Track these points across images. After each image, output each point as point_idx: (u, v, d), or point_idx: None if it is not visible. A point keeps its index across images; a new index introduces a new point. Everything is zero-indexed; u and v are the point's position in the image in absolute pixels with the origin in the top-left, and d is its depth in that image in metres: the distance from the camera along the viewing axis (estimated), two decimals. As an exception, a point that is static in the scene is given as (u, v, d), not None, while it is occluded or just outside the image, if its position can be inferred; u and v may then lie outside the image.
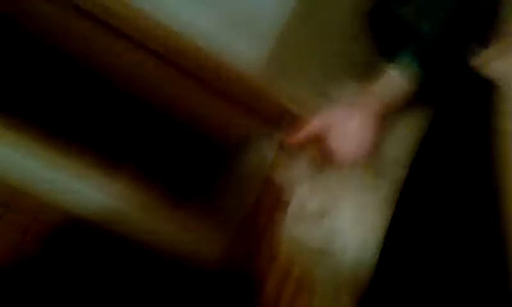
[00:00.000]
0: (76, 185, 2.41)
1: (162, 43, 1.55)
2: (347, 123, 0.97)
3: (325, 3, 1.28)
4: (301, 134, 1.01)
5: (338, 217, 1.03)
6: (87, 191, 2.41)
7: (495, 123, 0.93)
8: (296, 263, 1.03)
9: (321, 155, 1.03)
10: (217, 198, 3.03)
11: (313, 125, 0.99)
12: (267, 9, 1.44)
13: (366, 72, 1.14)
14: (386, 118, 1.01)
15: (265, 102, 2.65)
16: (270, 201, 1.29)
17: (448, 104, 0.99)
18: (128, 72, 2.98)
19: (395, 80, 0.96)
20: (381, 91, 0.97)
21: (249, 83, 2.16)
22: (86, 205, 2.37)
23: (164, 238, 2.67)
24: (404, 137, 1.02)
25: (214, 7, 1.82)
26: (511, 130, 0.92)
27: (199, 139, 3.45)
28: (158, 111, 3.15)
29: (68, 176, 2.36)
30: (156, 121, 3.32)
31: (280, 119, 1.13)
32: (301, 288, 1.00)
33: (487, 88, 0.94)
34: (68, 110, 2.50)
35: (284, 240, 1.22)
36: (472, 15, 0.90)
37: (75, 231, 1.70)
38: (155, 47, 1.58)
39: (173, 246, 2.64)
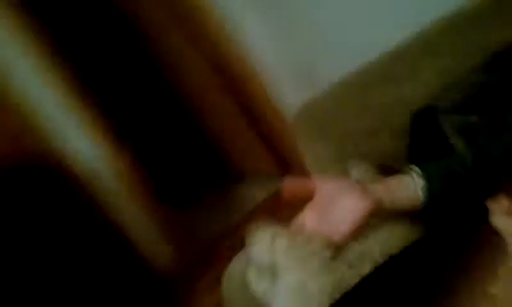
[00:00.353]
0: (75, 134, 2.48)
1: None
2: (347, 197, 0.93)
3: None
4: (299, 187, 0.98)
5: (282, 279, 0.97)
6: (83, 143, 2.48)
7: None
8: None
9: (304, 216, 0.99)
10: (202, 214, 3.02)
11: (316, 184, 0.96)
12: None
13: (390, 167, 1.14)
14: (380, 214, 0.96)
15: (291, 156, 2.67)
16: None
17: (444, 235, 0.94)
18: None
19: (413, 187, 0.93)
20: (395, 189, 0.95)
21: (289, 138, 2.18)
22: (75, 153, 2.42)
23: (131, 225, 2.68)
24: (384, 239, 0.98)
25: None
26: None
27: (213, 154, 3.47)
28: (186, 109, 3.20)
29: (72, 122, 2.44)
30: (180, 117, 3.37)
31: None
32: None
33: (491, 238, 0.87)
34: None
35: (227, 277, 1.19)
36: None
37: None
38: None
39: (136, 235, 2.64)
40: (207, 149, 3.88)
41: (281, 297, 0.97)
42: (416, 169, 0.94)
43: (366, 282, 0.90)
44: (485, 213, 0.72)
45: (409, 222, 0.99)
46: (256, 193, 3.10)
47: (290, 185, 1.00)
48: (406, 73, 1.25)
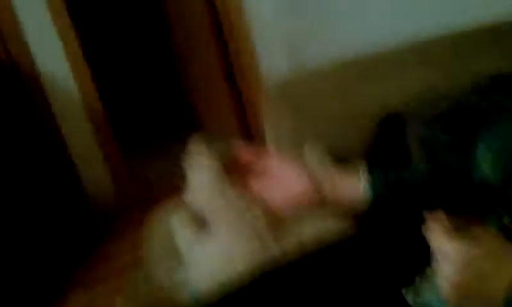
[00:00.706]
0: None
1: None
2: (293, 176, 0.93)
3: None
4: (252, 154, 0.95)
5: (209, 237, 0.94)
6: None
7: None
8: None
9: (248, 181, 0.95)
10: (152, 161, 2.97)
11: (269, 157, 0.95)
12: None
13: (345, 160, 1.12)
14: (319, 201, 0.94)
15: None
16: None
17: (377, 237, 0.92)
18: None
19: (357, 186, 0.93)
20: (341, 183, 0.94)
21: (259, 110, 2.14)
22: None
23: (79, 152, 2.62)
24: (315, 225, 0.97)
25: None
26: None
27: (182, 105, 3.40)
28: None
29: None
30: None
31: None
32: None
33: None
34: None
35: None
36: None
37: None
38: None
39: (81, 163, 2.60)
40: (178, 99, 3.82)
41: (204, 253, 0.94)
42: (367, 170, 0.93)
43: (291, 265, 0.87)
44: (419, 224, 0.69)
45: (344, 217, 0.98)
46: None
47: (244, 149, 0.96)
48: (390, 76, 1.21)
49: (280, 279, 0.83)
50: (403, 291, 0.77)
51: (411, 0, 1.72)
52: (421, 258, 0.73)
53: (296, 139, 1.24)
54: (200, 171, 0.95)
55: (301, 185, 0.92)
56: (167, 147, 3.36)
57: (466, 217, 0.67)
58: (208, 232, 0.97)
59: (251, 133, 2.99)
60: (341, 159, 1.16)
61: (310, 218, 0.97)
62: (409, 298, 0.77)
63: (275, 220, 0.94)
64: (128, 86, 4.11)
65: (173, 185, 1.13)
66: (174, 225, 1.10)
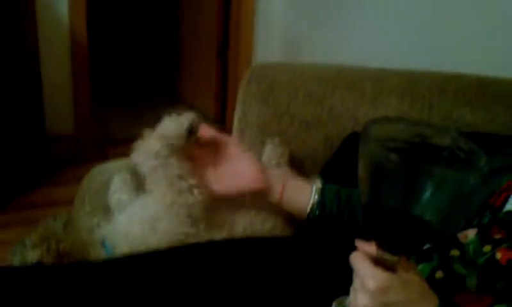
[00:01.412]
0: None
1: None
2: (246, 166, 0.92)
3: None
4: (213, 136, 0.96)
5: (142, 200, 0.89)
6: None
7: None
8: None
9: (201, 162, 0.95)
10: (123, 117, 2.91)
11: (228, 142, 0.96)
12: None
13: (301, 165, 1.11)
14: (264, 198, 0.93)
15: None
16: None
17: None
18: None
19: (307, 196, 0.92)
20: (291, 188, 0.93)
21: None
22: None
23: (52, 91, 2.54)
24: (252, 220, 0.94)
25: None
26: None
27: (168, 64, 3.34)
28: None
29: None
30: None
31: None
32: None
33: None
34: None
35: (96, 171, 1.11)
36: None
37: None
38: None
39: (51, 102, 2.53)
40: (165, 64, 3.76)
41: (129, 217, 0.90)
42: (320, 183, 0.93)
43: (216, 250, 0.83)
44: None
45: (282, 218, 0.96)
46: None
47: (207, 130, 0.96)
48: (371, 96, 1.17)
49: (194, 257, 0.79)
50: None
51: (419, 34, 1.67)
52: (343, 284, 0.70)
53: (261, 131, 1.20)
54: (154, 138, 0.90)
55: (252, 178, 0.90)
56: (142, 112, 3.31)
57: (396, 251, 0.64)
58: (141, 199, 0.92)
59: (227, 116, 2.98)
60: (299, 163, 1.14)
61: (249, 213, 0.92)
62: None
63: (212, 209, 0.90)
64: (119, 42, 4.02)
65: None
66: (112, 183, 1.06)
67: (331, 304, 0.74)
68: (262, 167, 0.93)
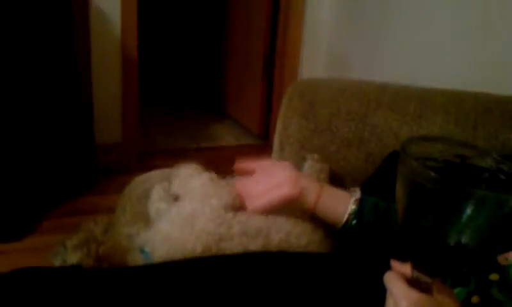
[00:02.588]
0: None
1: None
2: (280, 176, 0.93)
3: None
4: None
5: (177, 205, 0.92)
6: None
7: None
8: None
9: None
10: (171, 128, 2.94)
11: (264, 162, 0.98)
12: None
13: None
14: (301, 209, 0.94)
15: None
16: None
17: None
18: None
19: (344, 207, 0.91)
20: (329, 197, 0.92)
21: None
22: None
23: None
24: (289, 232, 0.93)
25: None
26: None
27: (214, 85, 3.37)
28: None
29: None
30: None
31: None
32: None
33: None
34: None
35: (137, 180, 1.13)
36: None
37: None
38: None
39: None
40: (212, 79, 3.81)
41: (169, 216, 0.92)
42: (359, 194, 0.91)
43: (251, 262, 0.83)
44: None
45: (322, 233, 0.95)
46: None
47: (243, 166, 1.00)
48: (415, 114, 1.16)
49: (229, 267, 0.80)
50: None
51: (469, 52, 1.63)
52: (377, 304, 0.69)
53: (302, 146, 1.20)
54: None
55: (288, 187, 0.90)
56: (187, 125, 3.36)
57: (432, 273, 0.62)
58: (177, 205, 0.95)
59: (270, 133, 2.99)
60: (339, 180, 1.13)
61: (287, 224, 0.93)
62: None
63: (248, 216, 0.91)
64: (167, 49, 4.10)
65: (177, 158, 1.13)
66: (153, 193, 1.08)
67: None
68: (296, 174, 0.93)
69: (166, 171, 1.21)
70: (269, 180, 0.93)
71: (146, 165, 2.70)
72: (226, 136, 3.27)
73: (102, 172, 2.60)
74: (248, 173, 0.98)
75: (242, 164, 0.98)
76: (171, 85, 4.03)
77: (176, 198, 1.03)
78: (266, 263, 0.84)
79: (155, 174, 1.22)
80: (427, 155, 0.64)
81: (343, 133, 1.16)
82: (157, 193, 1.08)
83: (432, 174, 0.57)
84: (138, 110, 2.71)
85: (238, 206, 0.94)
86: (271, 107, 3.08)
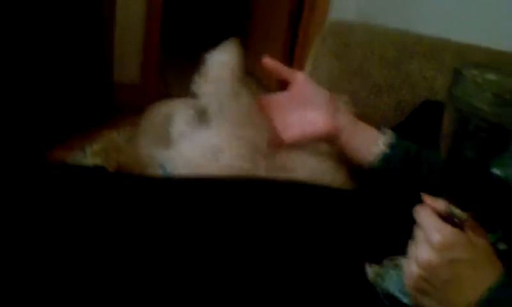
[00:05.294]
0: None
1: None
2: (316, 110, 0.89)
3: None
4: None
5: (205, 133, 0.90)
6: None
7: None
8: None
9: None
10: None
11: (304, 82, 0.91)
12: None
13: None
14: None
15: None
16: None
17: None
18: None
19: (374, 145, 0.88)
20: (360, 134, 0.89)
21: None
22: None
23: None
24: (314, 169, 0.91)
25: None
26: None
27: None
28: None
29: None
30: None
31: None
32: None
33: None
34: None
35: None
36: None
37: None
38: None
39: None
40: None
41: (191, 145, 0.89)
42: (390, 136, 0.88)
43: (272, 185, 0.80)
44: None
45: (346, 173, 0.92)
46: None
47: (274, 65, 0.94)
48: (449, 66, 1.11)
49: (255, 191, 0.77)
50: (366, 266, 0.70)
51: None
52: (399, 242, 0.67)
53: (331, 89, 1.16)
54: (222, 67, 0.89)
55: (323, 123, 0.87)
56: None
57: (467, 208, 0.60)
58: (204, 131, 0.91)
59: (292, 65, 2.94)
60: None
61: (309, 162, 0.90)
62: (371, 276, 0.70)
63: (274, 152, 0.88)
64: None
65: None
66: (175, 116, 1.06)
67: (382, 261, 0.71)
68: (333, 108, 0.89)
69: (189, 100, 1.18)
70: (305, 112, 0.90)
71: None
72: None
73: (118, 110, 2.58)
74: (276, 74, 0.93)
75: (273, 63, 0.93)
76: (193, 36, 3.98)
77: (203, 113, 1.00)
78: (290, 191, 0.81)
79: (178, 101, 1.19)
80: (479, 87, 0.61)
81: (375, 79, 1.13)
82: (180, 116, 1.05)
83: (484, 107, 0.55)
84: (159, 53, 2.68)
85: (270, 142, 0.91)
86: (292, 58, 3.01)
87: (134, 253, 0.63)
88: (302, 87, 0.91)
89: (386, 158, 0.86)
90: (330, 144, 0.90)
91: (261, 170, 0.87)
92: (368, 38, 1.16)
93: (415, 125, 1.04)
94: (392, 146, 0.86)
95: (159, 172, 0.85)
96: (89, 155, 0.78)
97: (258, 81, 3.34)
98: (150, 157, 0.87)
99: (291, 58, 3.03)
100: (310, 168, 0.90)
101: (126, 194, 0.70)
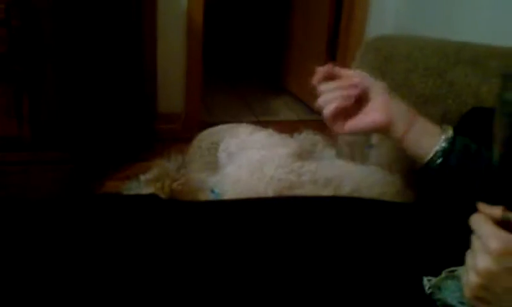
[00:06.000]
0: None
1: None
2: (375, 99, 0.86)
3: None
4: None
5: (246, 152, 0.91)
6: None
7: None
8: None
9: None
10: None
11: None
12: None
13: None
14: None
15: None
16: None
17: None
18: None
19: (433, 141, 0.84)
20: (419, 128, 0.86)
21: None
22: None
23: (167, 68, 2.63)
24: (372, 182, 0.89)
25: None
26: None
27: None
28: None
29: None
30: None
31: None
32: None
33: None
34: None
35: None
36: None
37: None
38: None
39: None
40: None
41: (238, 161, 0.92)
42: (451, 132, 0.84)
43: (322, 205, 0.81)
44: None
45: (399, 185, 0.93)
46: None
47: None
48: (498, 73, 1.10)
49: (299, 209, 0.78)
50: (424, 279, 0.69)
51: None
52: (456, 253, 0.66)
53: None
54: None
55: (378, 114, 0.85)
56: (246, 99, 3.36)
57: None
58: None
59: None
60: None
61: (356, 175, 0.90)
62: (428, 288, 0.69)
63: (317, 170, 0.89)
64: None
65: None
66: (223, 142, 1.08)
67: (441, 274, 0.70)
68: (389, 100, 0.86)
69: (231, 125, 1.21)
70: (360, 102, 0.86)
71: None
72: (285, 111, 3.25)
73: (162, 139, 2.64)
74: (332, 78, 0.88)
75: (322, 71, 0.88)
76: (233, 59, 4.04)
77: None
78: (338, 207, 0.81)
79: (221, 128, 1.23)
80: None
81: (419, 89, 1.12)
82: (226, 143, 1.08)
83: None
84: (201, 81, 2.73)
85: (306, 155, 0.92)
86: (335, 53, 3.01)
87: (192, 276, 0.65)
88: (358, 79, 0.88)
89: (446, 154, 0.82)
90: (386, 135, 0.87)
91: (305, 183, 0.87)
92: (410, 50, 1.15)
93: (463, 133, 1.02)
94: (452, 141, 0.83)
95: (209, 196, 0.87)
96: (144, 183, 0.81)
97: (296, 99, 3.37)
98: (200, 181, 0.89)
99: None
100: (355, 183, 0.90)
101: (180, 220, 0.72)
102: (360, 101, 0.86)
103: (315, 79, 0.88)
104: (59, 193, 2.04)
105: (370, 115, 0.85)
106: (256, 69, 3.90)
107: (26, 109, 1.96)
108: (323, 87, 0.86)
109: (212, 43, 3.37)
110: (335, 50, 2.97)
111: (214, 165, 1.07)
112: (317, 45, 3.10)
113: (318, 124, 2.86)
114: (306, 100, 3.24)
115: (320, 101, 0.85)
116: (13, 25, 1.85)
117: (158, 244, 0.67)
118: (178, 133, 2.72)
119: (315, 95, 0.87)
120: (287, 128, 2.83)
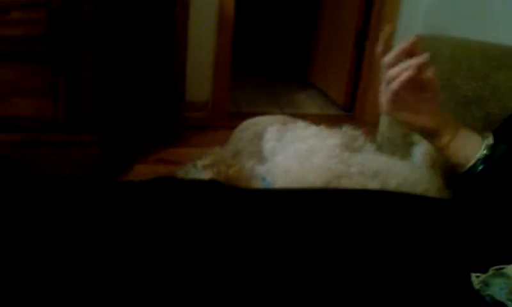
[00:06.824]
0: None
1: None
2: (427, 102, 0.88)
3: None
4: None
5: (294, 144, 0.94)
6: None
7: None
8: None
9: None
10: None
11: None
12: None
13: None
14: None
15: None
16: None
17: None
18: None
19: (475, 148, 0.87)
20: (461, 136, 0.89)
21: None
22: None
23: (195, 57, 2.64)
24: (410, 178, 0.92)
25: None
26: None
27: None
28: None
29: None
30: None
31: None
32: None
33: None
34: None
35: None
36: None
37: None
38: None
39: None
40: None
41: (287, 152, 0.94)
42: (491, 139, 0.88)
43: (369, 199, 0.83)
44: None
45: (440, 183, 0.94)
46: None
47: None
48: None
49: (347, 201, 0.80)
50: (472, 275, 0.71)
51: None
52: (502, 251, 0.68)
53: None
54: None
55: (428, 118, 0.88)
56: (272, 92, 3.38)
57: None
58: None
59: (356, 106, 2.95)
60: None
61: (403, 170, 0.92)
62: (477, 284, 0.71)
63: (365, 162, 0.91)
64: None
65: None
66: (267, 132, 1.10)
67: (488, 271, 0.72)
68: (438, 108, 0.89)
69: (273, 117, 1.23)
70: (417, 102, 0.88)
71: (231, 125, 2.75)
72: (310, 104, 3.27)
73: (189, 127, 2.67)
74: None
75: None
76: (261, 53, 4.05)
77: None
78: (386, 201, 0.83)
79: (263, 118, 1.25)
80: None
81: (462, 91, 1.13)
82: (271, 133, 1.10)
83: None
84: (230, 71, 2.76)
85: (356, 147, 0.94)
86: (359, 79, 3.04)
87: (249, 259, 0.67)
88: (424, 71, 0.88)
89: (487, 163, 0.85)
90: (428, 140, 0.91)
91: (354, 174, 0.90)
92: (455, 51, 1.17)
93: (505, 136, 1.04)
94: (493, 150, 0.86)
95: (261, 184, 0.90)
96: (201, 168, 0.83)
97: (321, 93, 3.38)
98: (251, 170, 0.92)
99: (358, 77, 3.06)
100: (401, 177, 0.92)
101: (239, 205, 0.74)
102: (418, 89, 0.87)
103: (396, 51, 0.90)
104: (89, 174, 2.08)
105: (421, 117, 0.88)
106: (283, 63, 3.91)
107: (62, 90, 2.00)
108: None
109: (242, 36, 3.38)
110: (362, 47, 2.98)
111: (257, 155, 1.09)
112: (345, 42, 3.11)
113: (341, 118, 2.90)
114: (331, 94, 3.26)
115: (393, 72, 0.86)
116: (54, 7, 1.88)
117: (223, 230, 0.69)
118: (205, 122, 2.75)
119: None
120: (312, 122, 2.87)
